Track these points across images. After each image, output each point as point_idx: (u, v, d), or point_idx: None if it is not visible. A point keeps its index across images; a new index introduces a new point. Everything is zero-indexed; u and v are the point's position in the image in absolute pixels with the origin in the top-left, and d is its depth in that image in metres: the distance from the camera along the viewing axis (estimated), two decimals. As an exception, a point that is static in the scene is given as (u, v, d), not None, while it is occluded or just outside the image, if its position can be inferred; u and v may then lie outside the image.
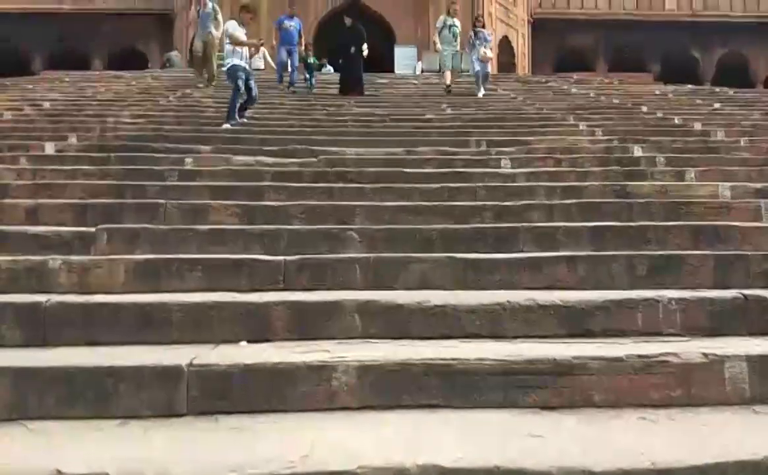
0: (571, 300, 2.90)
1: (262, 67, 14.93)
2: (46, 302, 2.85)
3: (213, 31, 10.80)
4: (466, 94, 11.04)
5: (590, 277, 3.35)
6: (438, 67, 18.83)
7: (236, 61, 8.03)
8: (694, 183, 5.25)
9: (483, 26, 11.67)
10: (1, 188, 4.82)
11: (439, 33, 11.39)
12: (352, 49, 11.12)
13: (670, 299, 2.92)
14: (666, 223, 4.13)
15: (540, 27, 23.87)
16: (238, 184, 5.13)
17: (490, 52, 11.13)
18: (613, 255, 3.49)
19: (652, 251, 3.61)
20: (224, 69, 8.36)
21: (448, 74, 11.22)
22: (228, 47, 8.40)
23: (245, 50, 8.30)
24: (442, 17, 11.71)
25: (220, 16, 10.97)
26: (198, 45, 11.25)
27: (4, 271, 3.27)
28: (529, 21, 23.71)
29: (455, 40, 11.23)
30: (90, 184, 4.95)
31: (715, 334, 2.83)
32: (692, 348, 2.53)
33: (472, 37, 11.21)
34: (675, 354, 2.44)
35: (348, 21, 11.87)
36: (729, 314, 2.94)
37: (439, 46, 11.43)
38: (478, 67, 10.93)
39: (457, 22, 11.42)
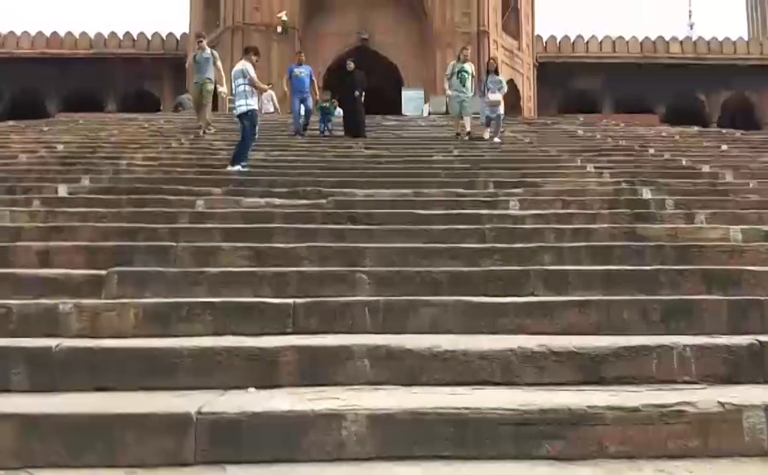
0: (584, 346, 2.86)
1: (272, 110, 15.21)
2: (56, 346, 2.85)
3: (211, 76, 10.53)
4: (474, 137, 10.83)
5: (603, 322, 3.32)
6: (445, 109, 19.16)
7: (254, 105, 8.12)
8: (704, 226, 5.23)
9: (496, 70, 11.24)
10: (14, 231, 4.87)
11: (449, 79, 11.06)
12: (356, 93, 11.38)
13: (685, 346, 2.88)
14: (678, 267, 4.09)
15: (545, 70, 24.24)
16: (249, 226, 5.16)
17: (499, 96, 10.71)
18: (626, 300, 3.46)
19: (664, 296, 3.58)
20: (239, 111, 8.03)
21: (462, 122, 10.92)
22: (246, 90, 8.05)
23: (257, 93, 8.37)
24: (451, 63, 11.36)
25: (219, 63, 10.74)
26: (194, 91, 10.90)
27: (15, 314, 3.27)
28: (534, 64, 24.09)
29: (464, 86, 10.84)
30: (102, 227, 4.99)
31: (731, 382, 2.78)
32: (709, 397, 2.47)
33: (484, 81, 11.00)
34: (691, 403, 2.38)
35: (350, 65, 12.17)
36: (745, 361, 2.89)
37: (449, 92, 11.13)
38: (488, 112, 10.71)
39: (467, 67, 11.05)
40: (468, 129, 10.78)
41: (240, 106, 7.95)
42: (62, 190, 6.35)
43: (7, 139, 10.40)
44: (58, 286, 3.73)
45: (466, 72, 10.89)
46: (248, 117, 7.93)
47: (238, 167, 7.64)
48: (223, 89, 10.73)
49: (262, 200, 6.21)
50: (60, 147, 9.50)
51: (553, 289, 3.82)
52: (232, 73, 8.27)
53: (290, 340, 3.02)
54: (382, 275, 3.98)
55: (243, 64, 8.15)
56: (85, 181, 6.80)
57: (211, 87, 10.58)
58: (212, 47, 22.86)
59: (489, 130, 10.82)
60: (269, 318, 3.33)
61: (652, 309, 3.37)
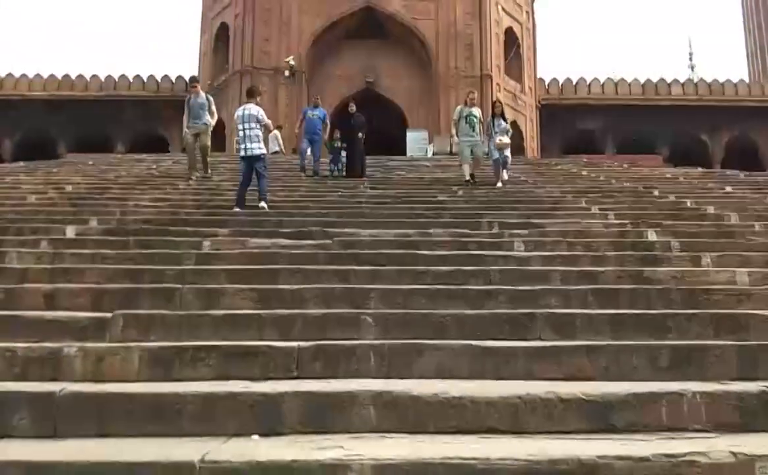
0: (592, 393, 2.83)
1: (276, 149, 15.41)
2: (60, 391, 2.83)
3: (208, 120, 10.26)
4: (480, 181, 10.59)
5: (611, 367, 3.28)
6: (449, 150, 19.36)
7: (264, 149, 8.31)
8: (710, 269, 5.20)
9: (502, 112, 10.97)
10: (22, 273, 4.89)
11: (456, 124, 10.74)
12: (359, 135, 11.59)
13: (695, 393, 2.84)
14: (685, 311, 4.06)
15: (548, 111, 24.53)
16: (254, 268, 5.17)
17: (507, 139, 10.55)
18: (634, 345, 3.43)
19: (672, 341, 3.55)
20: (255, 153, 8.03)
21: (466, 167, 10.58)
22: (260, 134, 8.22)
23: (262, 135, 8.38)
24: (458, 108, 10.97)
25: (214, 106, 10.49)
26: (190, 138, 10.39)
27: (20, 358, 3.27)
28: (537, 106, 24.41)
29: (473, 131, 10.54)
30: (108, 269, 5.01)
31: (742, 430, 2.73)
32: (720, 446, 2.43)
33: (491, 125, 10.78)
34: (703, 453, 2.34)
35: (352, 108, 12.43)
36: (756, 409, 2.84)
37: (456, 138, 10.86)
38: (496, 154, 10.47)
39: (475, 111, 10.74)
40: (472, 176, 10.48)
41: (256, 148, 8.09)
42: (70, 232, 6.40)
43: (18, 180, 10.54)
44: (64, 328, 3.73)
45: (475, 117, 10.65)
46: (263, 159, 8.16)
47: (263, 204, 7.80)
48: (210, 127, 10.39)
49: (268, 241, 6.23)
50: (69, 188, 9.61)
51: (560, 333, 3.79)
52: (241, 115, 8.22)
53: (294, 385, 2.99)
54: (387, 318, 3.97)
55: (257, 109, 8.32)
56: (93, 223, 6.86)
57: (208, 135, 10.33)
58: (219, 89, 23.41)
59: (499, 179, 10.53)
60: (274, 362, 3.31)
61: (660, 354, 3.34)
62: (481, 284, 4.84)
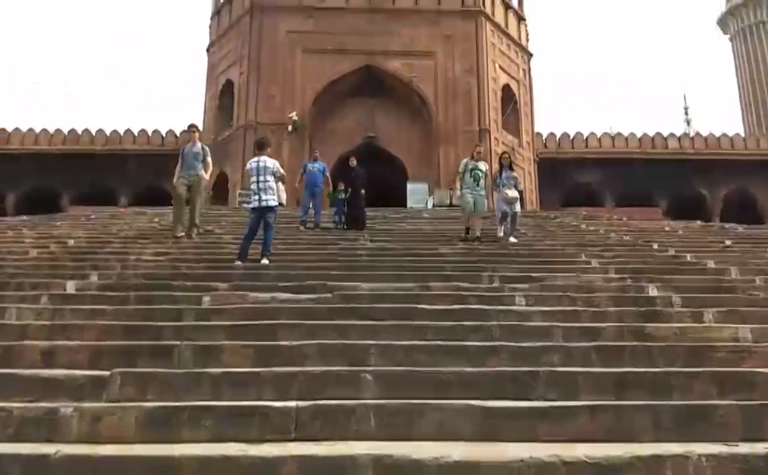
0: (596, 456, 2.77)
1: (282, 202, 15.54)
2: (55, 453, 2.78)
3: (202, 172, 9.76)
4: (483, 237, 10.22)
5: (614, 428, 3.23)
6: (449, 202, 19.53)
7: (277, 201, 8.29)
8: (712, 325, 5.17)
9: (510, 164, 10.60)
10: (20, 329, 4.87)
11: (461, 177, 10.38)
12: (359, 189, 11.76)
13: (700, 455, 2.78)
14: (688, 369, 4.03)
15: (546, 165, 24.85)
16: (253, 323, 5.13)
17: (515, 192, 10.17)
18: (637, 405, 3.38)
19: (676, 401, 3.50)
20: (269, 204, 8.02)
21: (473, 222, 10.19)
22: (274, 186, 8.16)
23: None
24: (464, 161, 10.64)
25: (210, 158, 10.02)
26: (182, 189, 9.72)
27: (15, 418, 3.22)
28: (535, 160, 24.76)
29: (477, 185, 10.19)
30: (107, 325, 4.99)
31: (750, 494, 2.67)
32: (729, 513, 2.37)
33: (498, 177, 10.45)
34: (711, 520, 2.28)
35: (353, 162, 12.66)
36: (763, 471, 2.79)
37: (458, 192, 10.48)
38: (504, 207, 10.12)
39: (481, 165, 10.40)
40: (478, 232, 10.07)
41: (271, 200, 8.09)
42: (70, 287, 6.40)
43: (20, 234, 10.60)
44: (61, 387, 3.69)
45: (480, 171, 10.31)
46: (275, 211, 8.22)
47: (265, 261, 7.77)
48: (205, 180, 9.95)
49: (268, 295, 6.22)
50: (71, 242, 9.65)
51: (562, 392, 3.74)
52: (255, 167, 8.14)
53: (292, 448, 2.94)
54: (387, 376, 3.92)
55: (272, 162, 8.33)
56: (94, 277, 6.86)
57: (203, 184, 9.90)
58: (223, 144, 23.77)
59: (501, 227, 10.37)
60: (271, 423, 3.26)
61: (664, 415, 3.29)
62: (482, 340, 4.81)
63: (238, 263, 7.71)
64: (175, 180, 9.86)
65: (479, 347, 4.57)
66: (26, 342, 4.56)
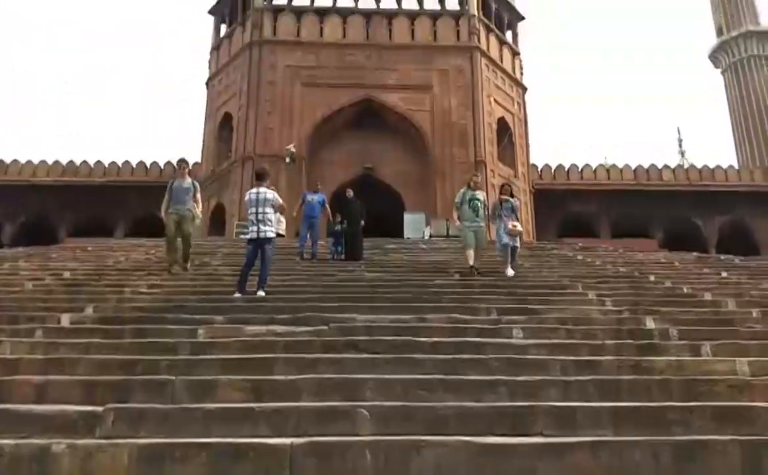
0: (595, 494, 2.74)
1: (282, 232, 15.62)
2: (44, 493, 2.73)
3: (192, 207, 9.49)
4: (486, 271, 10.11)
5: (614, 465, 3.19)
6: (445, 232, 19.59)
7: (275, 232, 8.28)
8: (710, 358, 5.16)
9: (511, 195, 10.24)
10: (14, 363, 4.82)
11: (459, 208, 10.05)
12: (356, 220, 11.81)
13: (701, 493, 2.75)
14: (687, 403, 3.99)
15: (542, 196, 25.01)
16: (248, 357, 5.09)
17: (520, 226, 9.81)
18: (636, 441, 3.34)
19: (675, 436, 3.46)
20: (268, 235, 8.01)
21: (470, 253, 9.87)
22: (273, 217, 8.18)
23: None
24: (461, 191, 10.29)
25: (200, 194, 9.79)
26: (170, 224, 9.38)
27: (6, 455, 3.17)
28: (530, 191, 24.93)
29: (477, 216, 9.90)
30: (102, 359, 4.94)
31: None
32: None
33: (499, 208, 10.05)
34: None
35: (350, 193, 12.73)
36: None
37: (458, 223, 10.15)
38: (506, 240, 9.76)
39: (479, 195, 10.13)
40: (471, 263, 9.83)
41: (269, 231, 8.08)
42: (65, 320, 6.35)
43: (16, 266, 10.57)
44: (53, 423, 3.64)
45: (479, 200, 10.02)
46: (273, 242, 8.20)
47: (262, 293, 7.73)
48: (198, 219, 9.77)
49: (264, 328, 6.18)
50: (66, 274, 9.62)
51: (561, 427, 3.70)
52: (255, 198, 8.12)
53: (288, 486, 2.89)
54: (383, 411, 3.88)
55: (272, 193, 8.33)
56: (89, 310, 6.82)
57: (193, 223, 9.58)
58: (221, 175, 23.87)
59: (508, 266, 9.87)
60: (265, 461, 3.20)
61: (663, 451, 3.25)
62: (480, 373, 4.77)
63: (237, 294, 7.68)
64: (163, 214, 9.55)
65: (477, 381, 4.54)
66: (19, 377, 4.51)
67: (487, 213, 10.26)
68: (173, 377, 4.36)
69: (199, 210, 9.66)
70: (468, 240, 9.90)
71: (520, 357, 5.23)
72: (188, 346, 5.37)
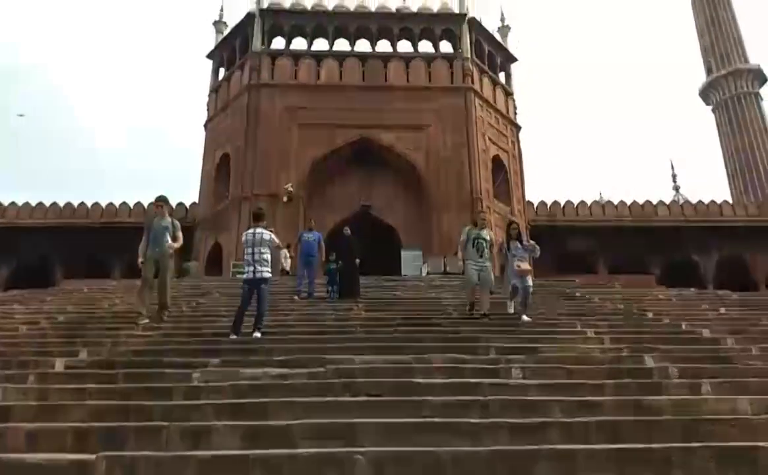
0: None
1: (287, 267, 15.59)
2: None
3: (171, 244, 8.84)
4: (491, 314, 9.14)
5: (615, 510, 3.13)
6: (443, 269, 19.56)
7: (271, 273, 8.28)
8: (710, 397, 5.10)
9: (518, 235, 9.50)
10: (5, 410, 4.74)
11: (463, 247, 9.36)
12: (353, 258, 11.79)
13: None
14: (688, 444, 3.93)
15: (539, 232, 25.05)
16: (243, 402, 5.02)
17: (527, 264, 9.12)
18: (638, 484, 3.29)
19: (678, 480, 3.41)
20: (264, 276, 7.98)
21: (480, 296, 9.20)
22: (269, 258, 8.16)
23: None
24: (465, 229, 9.60)
25: (180, 232, 9.08)
26: (150, 270, 8.75)
27: (-7, 508, 3.10)
28: (527, 228, 25.01)
29: (481, 257, 9.22)
30: (95, 405, 4.87)
31: None
32: None
33: (506, 248, 9.40)
34: None
35: (347, 231, 12.74)
36: None
37: (460, 263, 9.53)
38: (515, 281, 9.10)
39: (485, 234, 9.40)
40: (486, 308, 9.09)
41: (265, 272, 8.07)
42: (59, 365, 6.27)
43: (11, 309, 10.49)
44: (44, 473, 3.57)
45: (484, 240, 9.31)
46: (268, 283, 8.18)
47: (258, 334, 7.69)
48: (173, 247, 8.96)
49: (260, 371, 6.11)
50: (61, 317, 9.54)
51: (562, 471, 3.64)
52: (251, 239, 8.12)
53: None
54: (381, 456, 3.82)
55: (268, 234, 8.33)
56: (83, 355, 6.74)
57: (171, 262, 8.95)
58: (218, 214, 23.87)
59: (512, 303, 9.41)
60: (261, 510, 3.14)
61: (666, 494, 3.20)
62: (479, 416, 4.71)
63: (233, 336, 7.62)
64: (140, 258, 8.84)
65: (477, 424, 4.47)
66: (11, 424, 4.43)
67: (492, 253, 9.57)
68: (167, 423, 4.30)
69: (178, 244, 8.97)
70: (471, 280, 9.24)
71: (520, 398, 5.18)
72: (182, 390, 5.30)
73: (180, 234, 9.07)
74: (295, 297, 11.63)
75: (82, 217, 25.53)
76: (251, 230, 8.31)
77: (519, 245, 9.31)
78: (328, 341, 7.49)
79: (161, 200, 9.21)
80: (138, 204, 26.25)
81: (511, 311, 9.33)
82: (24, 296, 12.09)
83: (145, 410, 4.77)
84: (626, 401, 4.99)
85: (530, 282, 9.07)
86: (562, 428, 4.36)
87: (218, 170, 24.80)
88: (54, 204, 26.02)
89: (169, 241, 8.84)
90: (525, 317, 8.97)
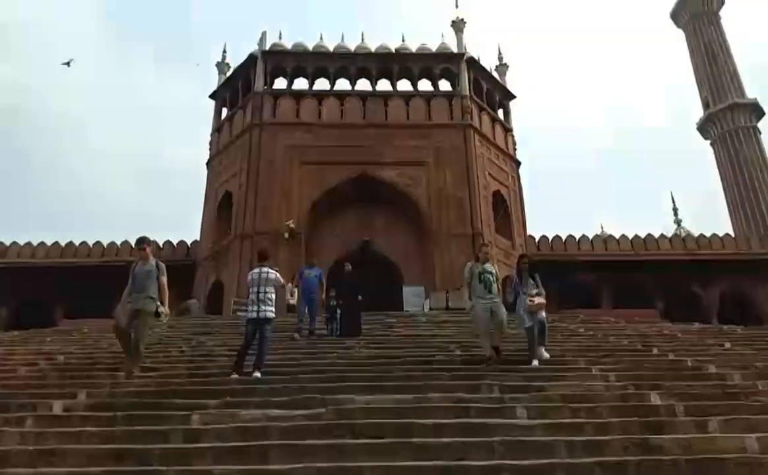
0: None
1: (293, 302, 15.49)
2: None
3: (154, 295, 7.88)
4: (506, 358, 8.53)
5: None
6: (445, 305, 19.41)
7: (275, 313, 8.24)
8: (718, 435, 5.02)
9: (528, 268, 8.83)
10: (3, 455, 4.67)
11: (469, 284, 8.62)
12: (355, 294, 11.72)
13: None
14: (697, 485, 3.86)
15: (541, 267, 24.95)
16: (243, 445, 4.96)
17: (540, 299, 8.45)
18: (646, 529, 3.21)
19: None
20: (268, 316, 7.99)
21: (485, 340, 8.46)
22: (273, 297, 8.19)
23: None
24: (469, 265, 8.88)
25: (165, 277, 8.08)
26: (124, 318, 7.78)
27: None
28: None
29: (489, 292, 8.45)
30: (93, 449, 4.81)
31: None
32: None
33: (517, 283, 8.73)
34: None
35: (348, 267, 12.67)
36: None
37: (468, 303, 8.66)
38: (528, 323, 8.30)
39: (490, 267, 8.71)
40: (496, 350, 8.41)
41: (269, 312, 8.09)
42: (57, 407, 6.21)
43: (9, 350, 10.42)
44: (38, 521, 3.49)
45: (490, 274, 8.60)
46: (271, 322, 8.19)
47: (258, 374, 7.63)
48: (164, 310, 7.94)
49: (259, 412, 6.04)
50: (61, 358, 9.47)
51: (568, 515, 3.56)
52: (257, 278, 8.20)
53: None
54: (383, 501, 3.74)
55: (274, 273, 8.38)
56: (82, 397, 6.67)
57: (152, 308, 7.84)
58: (219, 252, 23.85)
59: (539, 349, 8.44)
60: None
61: (676, 539, 3.11)
62: (484, 458, 4.64)
63: (234, 376, 7.56)
64: (119, 307, 7.94)
65: (481, 466, 4.41)
66: (8, 470, 4.37)
67: (500, 288, 8.74)
68: (165, 468, 4.23)
69: (164, 298, 7.95)
70: (480, 321, 8.40)
71: (526, 439, 5.11)
72: (181, 433, 5.23)
73: (164, 279, 8.05)
74: (296, 335, 11.52)
75: (83, 257, 25.56)
76: (257, 270, 8.34)
77: (531, 280, 8.63)
78: (329, 380, 7.41)
79: (143, 241, 8.29)
80: (140, 243, 26.28)
81: (535, 364, 8.14)
82: (24, 336, 12.03)
83: (142, 453, 4.70)
84: (632, 440, 4.92)
85: (544, 316, 8.48)
86: (568, 470, 4.30)
87: (220, 208, 24.92)
88: (55, 243, 26.08)
89: (153, 288, 7.85)
90: (545, 355, 8.37)
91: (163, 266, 8.20)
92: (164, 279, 8.07)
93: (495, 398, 6.64)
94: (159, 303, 7.90)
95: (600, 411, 5.94)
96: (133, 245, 8.35)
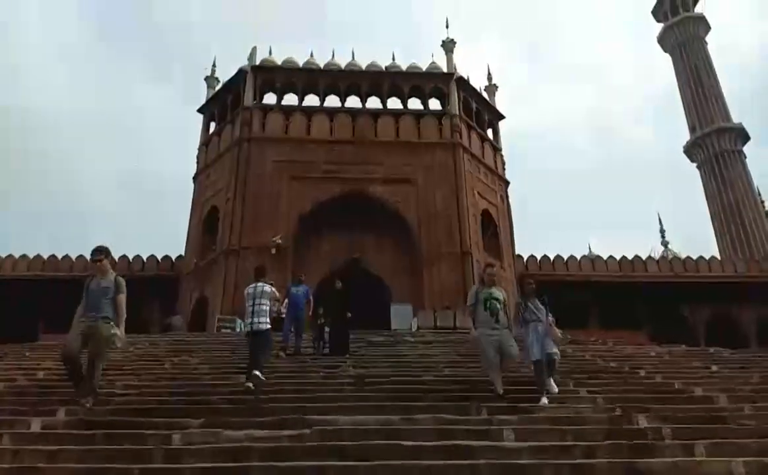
0: None
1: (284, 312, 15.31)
2: None
3: (110, 314, 6.74)
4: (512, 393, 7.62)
5: None
6: (433, 323, 19.33)
7: (270, 324, 8.46)
8: (704, 458, 4.99)
9: (533, 291, 8.09)
10: (-26, 476, 4.53)
11: (473, 310, 7.77)
12: (344, 312, 11.61)
13: None
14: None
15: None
16: (225, 466, 4.85)
17: (556, 330, 7.82)
18: None
19: None
20: (263, 328, 8.27)
21: (495, 376, 7.55)
22: (268, 310, 8.45)
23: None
24: (473, 289, 8.05)
25: (123, 294, 6.87)
26: (75, 341, 6.62)
27: None
28: (516, 282, 25.01)
29: (497, 321, 7.58)
30: (71, 469, 4.67)
31: None
32: None
33: (523, 309, 7.90)
34: None
35: (338, 284, 12.55)
36: None
37: (474, 333, 7.72)
38: (537, 354, 7.45)
39: (497, 293, 7.78)
40: (501, 391, 7.47)
41: (263, 324, 8.35)
42: (35, 425, 6.03)
43: (-12, 365, 10.19)
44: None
45: (497, 300, 7.68)
46: (267, 334, 8.42)
47: (257, 373, 7.81)
48: (119, 334, 6.71)
49: (242, 433, 5.90)
50: (40, 374, 9.26)
51: (555, 542, 3.49)
52: (253, 292, 8.48)
53: None
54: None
55: (270, 288, 8.67)
56: (61, 414, 6.49)
57: (107, 332, 6.63)
58: (204, 267, 23.56)
59: (550, 381, 7.66)
60: None
61: None
62: (470, 481, 4.56)
63: (249, 385, 7.72)
64: (71, 330, 6.79)
65: (467, 490, 4.33)
66: (-22, 491, 4.22)
67: (508, 315, 7.84)
68: (144, 490, 4.11)
69: (121, 321, 6.77)
70: (488, 355, 7.53)
71: (513, 462, 5.05)
72: (162, 453, 5.11)
73: (122, 297, 6.83)
74: (281, 353, 11.35)
75: (65, 270, 25.22)
76: (253, 285, 8.64)
77: (539, 303, 7.91)
78: (314, 399, 7.30)
79: (99, 253, 7.00)
80: (123, 257, 26.00)
81: (544, 402, 7.13)
82: (2, 350, 11.76)
83: (123, 473, 4.57)
84: (620, 464, 4.88)
85: (555, 348, 7.77)
86: (555, 494, 4.22)
87: (206, 223, 24.76)
88: (37, 256, 25.75)
89: (110, 308, 6.71)
90: (554, 388, 7.62)
91: (122, 281, 6.96)
92: (123, 297, 6.84)
93: (483, 420, 6.57)
94: (114, 326, 6.69)
95: (588, 434, 5.89)
96: (90, 257, 7.27)
